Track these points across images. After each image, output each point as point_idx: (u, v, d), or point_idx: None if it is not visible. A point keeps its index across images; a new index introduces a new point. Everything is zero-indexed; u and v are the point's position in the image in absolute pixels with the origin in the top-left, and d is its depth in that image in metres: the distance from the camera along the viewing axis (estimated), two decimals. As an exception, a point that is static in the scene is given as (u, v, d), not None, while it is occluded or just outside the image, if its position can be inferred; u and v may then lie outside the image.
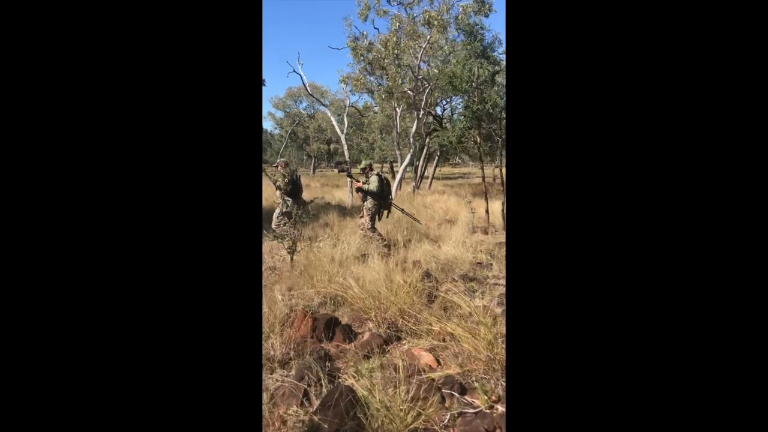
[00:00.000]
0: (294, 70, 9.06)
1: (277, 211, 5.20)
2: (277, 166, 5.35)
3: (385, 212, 5.41)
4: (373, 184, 5.15)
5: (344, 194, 11.34)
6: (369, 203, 5.18)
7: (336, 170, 5.50)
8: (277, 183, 5.13)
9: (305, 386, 1.99)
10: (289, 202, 5.09)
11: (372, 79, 10.30)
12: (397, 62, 8.75)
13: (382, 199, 5.24)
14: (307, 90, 9.57)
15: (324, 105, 10.93)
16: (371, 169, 5.35)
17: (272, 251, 4.71)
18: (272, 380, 2.08)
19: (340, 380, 2.18)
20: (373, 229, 5.16)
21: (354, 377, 2.09)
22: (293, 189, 5.18)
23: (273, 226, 5.14)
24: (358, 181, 5.28)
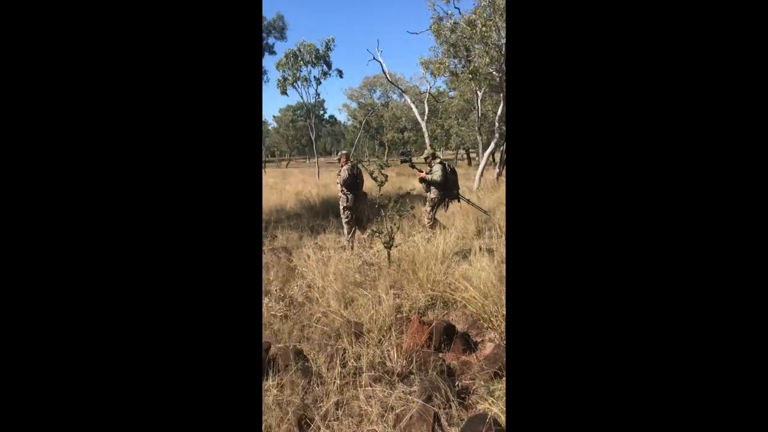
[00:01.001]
0: (374, 58, 8.84)
1: (341, 209, 5.01)
2: (338, 159, 5.17)
3: (452, 202, 5.06)
4: (436, 173, 4.81)
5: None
6: (432, 194, 4.87)
7: (399, 160, 5.17)
8: (339, 178, 4.95)
9: (435, 409, 1.72)
10: (350, 197, 4.86)
11: (455, 62, 9.78)
12: (484, 41, 8.14)
13: (446, 189, 4.88)
14: (387, 77, 9.34)
15: (403, 91, 10.64)
16: (434, 158, 5.03)
17: (364, 245, 4.55)
18: (395, 398, 1.84)
19: (469, 401, 1.89)
20: (433, 222, 4.81)
21: (488, 400, 1.79)
22: (352, 183, 4.88)
23: (344, 221, 4.99)
24: (421, 171, 4.98)
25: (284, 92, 18.17)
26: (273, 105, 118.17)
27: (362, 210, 5.17)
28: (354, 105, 28.06)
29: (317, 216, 6.67)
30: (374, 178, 3.76)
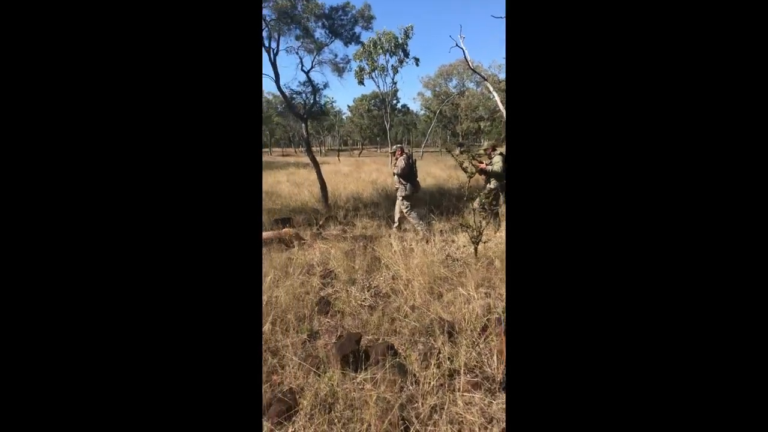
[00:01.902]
0: (456, 44, 8.51)
1: (399, 199, 5.01)
2: (393, 153, 5.22)
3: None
4: (497, 164, 4.78)
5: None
6: (492, 184, 4.86)
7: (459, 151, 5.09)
8: (395, 168, 4.98)
9: (545, 427, 1.55)
10: (407, 186, 4.90)
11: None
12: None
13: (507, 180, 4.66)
14: (469, 64, 8.96)
15: (484, 78, 10.17)
16: (494, 150, 5.04)
17: (447, 240, 4.39)
18: (497, 408, 1.70)
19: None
20: (495, 214, 4.70)
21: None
22: (410, 173, 4.95)
23: (403, 212, 4.98)
24: (481, 162, 4.88)
25: (361, 82, 18.41)
26: (348, 95, 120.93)
27: (417, 199, 5.21)
28: (429, 94, 27.64)
29: (394, 205, 6.63)
30: (464, 169, 3.58)
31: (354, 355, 2.03)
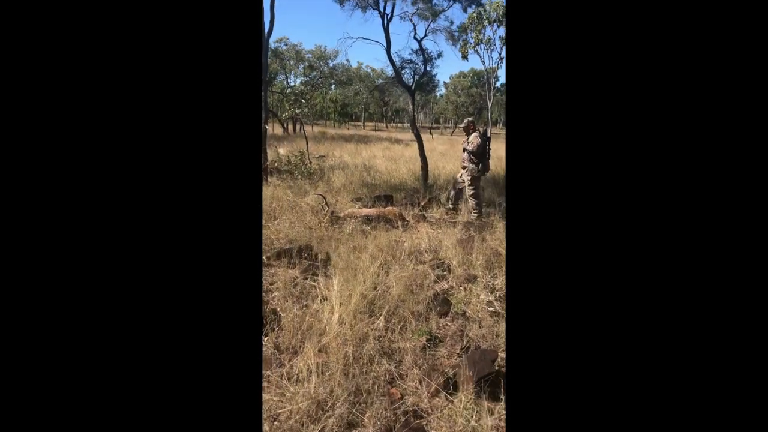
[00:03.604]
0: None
1: (467, 179, 4.58)
2: (466, 127, 4.74)
3: None
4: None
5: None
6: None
7: None
8: (466, 145, 4.62)
9: None
10: (479, 167, 4.48)
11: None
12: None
13: None
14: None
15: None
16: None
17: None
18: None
19: None
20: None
21: None
22: (483, 152, 4.57)
23: (468, 194, 4.61)
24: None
25: (465, 57, 17.41)
26: (444, 72, 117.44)
27: (482, 186, 4.89)
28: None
29: (502, 191, 6.03)
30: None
31: (492, 380, 1.63)
